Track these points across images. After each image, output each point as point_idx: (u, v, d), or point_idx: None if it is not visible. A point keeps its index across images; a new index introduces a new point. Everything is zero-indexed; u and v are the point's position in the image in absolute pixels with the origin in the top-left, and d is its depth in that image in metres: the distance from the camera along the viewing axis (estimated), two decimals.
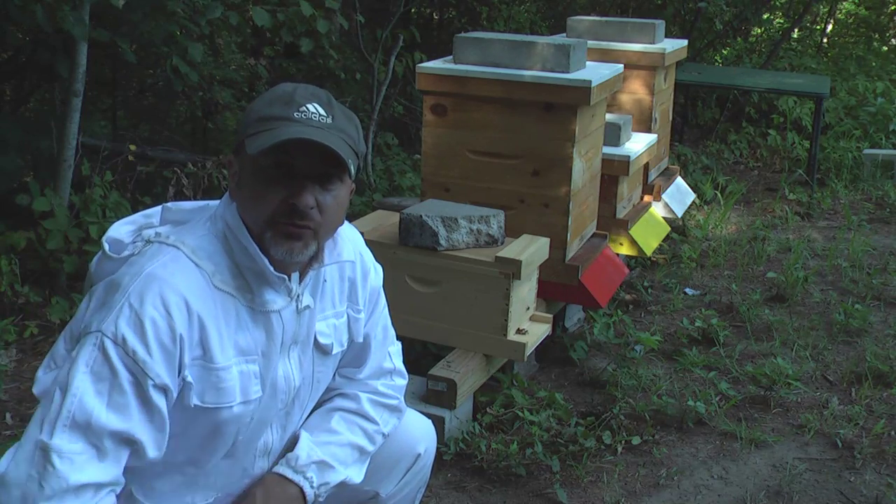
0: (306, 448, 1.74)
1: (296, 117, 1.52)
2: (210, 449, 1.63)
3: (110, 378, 1.46)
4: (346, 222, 1.75)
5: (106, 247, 1.64)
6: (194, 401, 1.54)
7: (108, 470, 1.46)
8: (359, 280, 1.80)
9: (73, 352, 1.51)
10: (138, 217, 1.70)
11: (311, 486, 1.71)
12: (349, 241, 1.78)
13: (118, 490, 1.50)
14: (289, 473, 1.71)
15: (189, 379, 1.53)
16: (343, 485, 1.78)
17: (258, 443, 1.71)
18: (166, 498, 1.66)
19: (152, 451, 1.51)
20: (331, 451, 1.77)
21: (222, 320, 1.56)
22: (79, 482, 1.43)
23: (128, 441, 1.48)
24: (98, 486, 1.45)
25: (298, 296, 1.65)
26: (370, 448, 1.84)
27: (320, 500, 1.74)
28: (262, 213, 1.55)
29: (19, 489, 1.42)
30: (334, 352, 1.78)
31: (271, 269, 1.58)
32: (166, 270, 1.52)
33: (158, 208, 1.71)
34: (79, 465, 1.43)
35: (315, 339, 1.72)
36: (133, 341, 1.46)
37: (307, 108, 1.54)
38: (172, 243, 1.57)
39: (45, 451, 1.42)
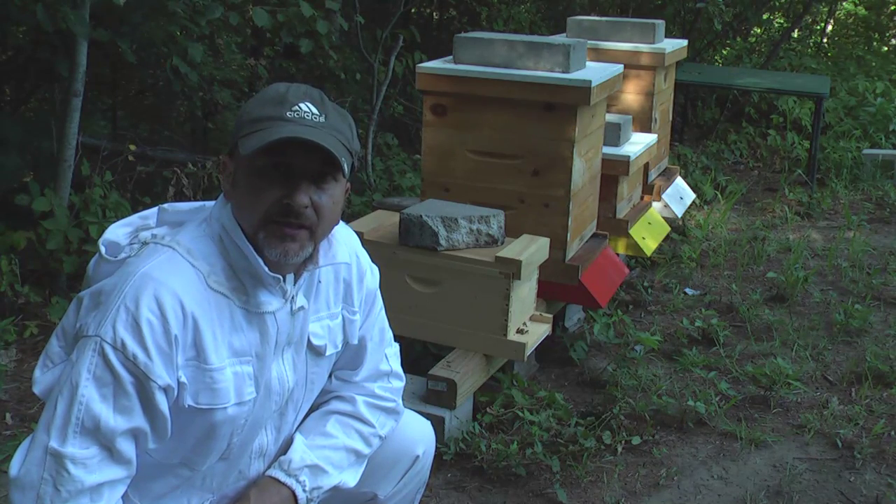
0: (300, 451, 1.74)
1: (289, 117, 1.52)
2: (205, 450, 1.63)
3: (113, 382, 1.47)
4: (342, 223, 1.74)
5: (102, 249, 1.64)
6: (188, 401, 1.55)
7: (122, 466, 1.50)
8: (354, 282, 1.80)
9: (72, 354, 1.52)
10: (135, 219, 1.70)
11: (304, 490, 1.71)
12: (344, 243, 1.78)
13: (132, 478, 1.53)
14: (281, 476, 1.71)
15: (183, 380, 1.53)
16: (337, 488, 1.78)
17: (253, 444, 1.71)
18: (162, 500, 1.67)
19: (153, 442, 1.54)
20: (325, 455, 1.76)
21: (217, 321, 1.56)
22: (95, 483, 1.46)
23: (135, 433, 1.50)
24: (113, 483, 1.49)
25: (293, 297, 1.65)
26: (366, 451, 1.84)
27: (313, 503, 1.74)
28: (256, 214, 1.55)
29: (34, 491, 1.44)
30: (328, 353, 1.77)
31: (266, 269, 1.58)
32: (161, 271, 1.52)
33: (155, 210, 1.71)
34: (92, 467, 1.46)
35: (308, 341, 1.72)
36: (133, 346, 1.47)
37: (300, 107, 1.54)
38: (168, 244, 1.57)
39: (58, 458, 1.44)
